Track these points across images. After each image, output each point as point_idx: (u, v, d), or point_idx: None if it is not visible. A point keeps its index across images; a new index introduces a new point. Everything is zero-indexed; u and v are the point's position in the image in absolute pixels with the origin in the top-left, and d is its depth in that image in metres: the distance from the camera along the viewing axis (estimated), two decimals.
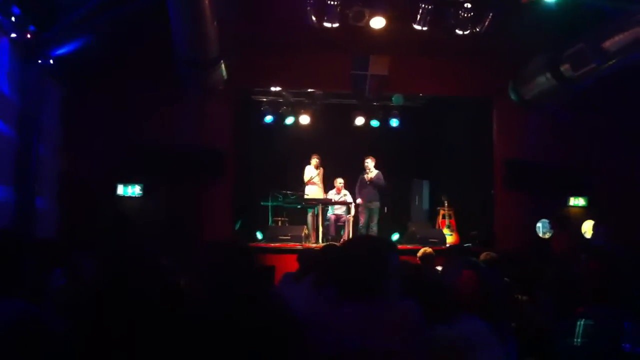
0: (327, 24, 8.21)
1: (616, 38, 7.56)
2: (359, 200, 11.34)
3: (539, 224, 10.63)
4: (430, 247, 7.38)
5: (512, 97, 10.41)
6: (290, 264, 6.65)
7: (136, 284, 2.10)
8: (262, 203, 11.48)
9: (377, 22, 8.27)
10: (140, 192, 9.88)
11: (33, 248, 3.84)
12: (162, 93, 9.89)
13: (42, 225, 8.39)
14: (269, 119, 12.62)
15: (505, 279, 5.67)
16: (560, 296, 3.69)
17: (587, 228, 10.48)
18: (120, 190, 9.84)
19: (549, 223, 10.53)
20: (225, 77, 9.65)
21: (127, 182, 9.82)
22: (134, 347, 2.00)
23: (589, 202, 10.91)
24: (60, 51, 8.20)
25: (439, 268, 6.42)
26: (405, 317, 2.29)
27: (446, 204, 11.91)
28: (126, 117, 9.91)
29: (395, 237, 12.06)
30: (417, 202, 13.16)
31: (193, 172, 10.12)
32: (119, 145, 9.72)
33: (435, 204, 12.61)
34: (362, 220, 11.35)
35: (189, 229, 9.42)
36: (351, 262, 2.39)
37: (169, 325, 2.00)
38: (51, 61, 8.19)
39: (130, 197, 9.88)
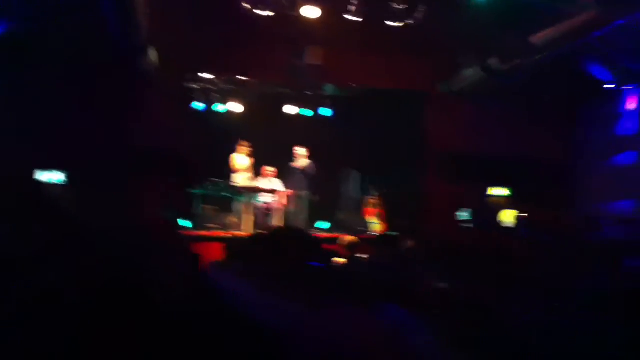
0: (260, 12, 8.11)
1: (543, 33, 7.79)
2: (287, 191, 11.32)
3: (461, 214, 10.89)
4: (357, 236, 7.46)
5: (444, 88, 10.61)
6: (218, 253, 6.56)
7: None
8: (191, 191, 11.29)
9: (310, 11, 8.25)
10: (65, 179, 9.52)
11: None
12: (88, 78, 9.55)
13: None
14: (199, 105, 12.42)
15: (433, 268, 5.77)
16: (486, 283, 3.76)
17: (506, 217, 10.80)
18: (44, 177, 9.45)
19: (471, 213, 10.83)
20: (157, 63, 9.42)
21: (50, 169, 9.43)
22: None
23: (513, 191, 11.24)
24: None
25: (365, 256, 6.47)
26: (325, 304, 2.31)
27: (376, 194, 12.03)
28: (52, 104, 9.48)
29: (325, 225, 12.12)
30: (346, 191, 13.24)
31: (123, 159, 9.81)
32: (44, 133, 9.32)
33: (365, 193, 12.70)
34: (291, 209, 11.34)
35: (117, 216, 9.17)
36: (273, 255, 2.39)
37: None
38: None
39: (54, 185, 9.50)
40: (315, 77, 10.62)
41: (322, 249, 2.50)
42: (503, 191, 11.34)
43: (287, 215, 11.35)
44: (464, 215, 10.92)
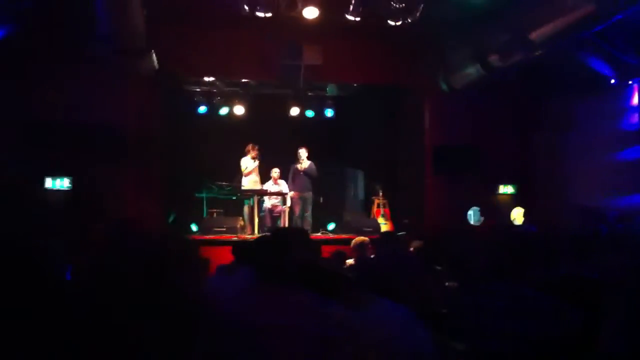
0: (260, 14, 8.14)
1: (543, 29, 7.74)
2: (292, 193, 11.36)
3: (470, 212, 10.87)
4: (364, 236, 7.47)
5: (443, 86, 10.58)
6: (226, 256, 6.60)
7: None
8: (196, 194, 11.34)
9: (310, 12, 8.26)
10: (69, 184, 9.54)
11: None
12: (84, 78, 9.53)
13: None
14: (202, 109, 12.49)
15: (438, 267, 5.78)
16: (463, 274, 3.76)
17: (517, 215, 10.78)
18: (49, 183, 9.49)
19: (479, 211, 10.81)
20: (157, 66, 9.44)
21: (55, 174, 9.47)
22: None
23: (517, 189, 11.20)
24: None
25: (372, 256, 6.50)
26: (314, 300, 2.36)
27: (380, 193, 12.06)
28: (42, 102, 9.50)
29: (331, 226, 12.16)
30: (352, 192, 13.27)
31: (119, 163, 9.80)
32: (39, 135, 9.35)
33: (370, 193, 12.72)
34: (297, 210, 11.38)
35: (115, 222, 9.18)
36: (267, 252, 2.44)
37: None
38: None
39: (57, 190, 9.53)
40: (312, 77, 10.62)
41: (319, 248, 2.57)
42: (509, 188, 11.30)
43: (293, 217, 11.40)
44: (472, 213, 10.90)
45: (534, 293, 2.74)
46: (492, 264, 2.88)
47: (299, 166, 11.30)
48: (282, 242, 2.47)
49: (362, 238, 7.18)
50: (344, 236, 10.29)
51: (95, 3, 7.13)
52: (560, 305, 2.71)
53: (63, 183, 9.52)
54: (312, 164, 11.32)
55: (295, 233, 2.63)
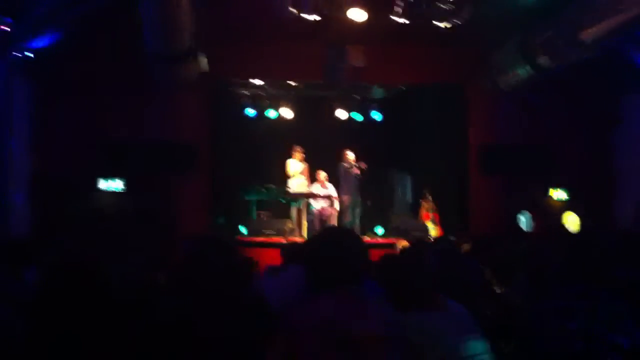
0: (305, 16, 8.16)
1: (593, 29, 7.55)
2: (342, 195, 11.32)
3: (521, 217, 10.62)
4: (412, 240, 7.43)
5: (489, 86, 10.40)
6: (275, 258, 6.69)
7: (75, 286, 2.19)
8: (245, 197, 11.46)
9: (356, 14, 8.23)
10: (124, 187, 9.72)
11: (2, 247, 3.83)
12: (134, 87, 9.77)
13: (16, 222, 8.33)
14: (250, 112, 12.58)
15: (483, 266, 5.72)
16: (533, 279, 3.72)
17: (571, 221, 10.43)
18: (103, 185, 9.68)
19: (531, 216, 10.56)
20: (207, 69, 9.56)
21: (105, 177, 9.67)
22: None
23: (569, 193, 10.85)
24: (33, 45, 8.09)
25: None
26: (377, 304, 2.34)
27: (429, 197, 11.91)
28: (98, 112, 9.76)
29: (379, 230, 12.08)
30: (400, 195, 13.16)
31: (168, 167, 9.99)
32: (92, 141, 9.60)
33: (418, 195, 12.61)
34: (347, 214, 11.31)
35: (166, 225, 9.38)
36: (323, 257, 2.42)
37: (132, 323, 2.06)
38: (27, 53, 8.03)
39: (111, 192, 9.73)
40: (356, 78, 10.57)
41: (367, 250, 2.54)
42: (561, 194, 10.92)
43: (342, 220, 11.36)
44: (522, 218, 10.66)
45: (611, 295, 2.65)
46: (569, 265, 2.81)
47: (353, 170, 11.22)
48: (339, 244, 2.45)
49: (407, 243, 7.19)
50: (392, 240, 10.23)
51: (143, 8, 7.23)
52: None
53: (117, 185, 9.71)
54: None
55: (347, 234, 2.61)
